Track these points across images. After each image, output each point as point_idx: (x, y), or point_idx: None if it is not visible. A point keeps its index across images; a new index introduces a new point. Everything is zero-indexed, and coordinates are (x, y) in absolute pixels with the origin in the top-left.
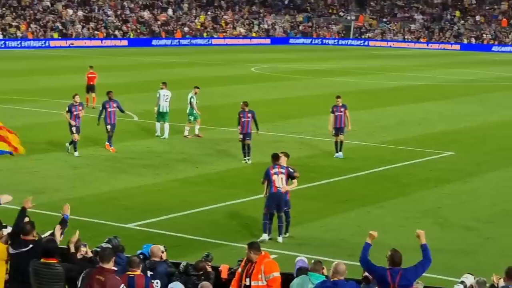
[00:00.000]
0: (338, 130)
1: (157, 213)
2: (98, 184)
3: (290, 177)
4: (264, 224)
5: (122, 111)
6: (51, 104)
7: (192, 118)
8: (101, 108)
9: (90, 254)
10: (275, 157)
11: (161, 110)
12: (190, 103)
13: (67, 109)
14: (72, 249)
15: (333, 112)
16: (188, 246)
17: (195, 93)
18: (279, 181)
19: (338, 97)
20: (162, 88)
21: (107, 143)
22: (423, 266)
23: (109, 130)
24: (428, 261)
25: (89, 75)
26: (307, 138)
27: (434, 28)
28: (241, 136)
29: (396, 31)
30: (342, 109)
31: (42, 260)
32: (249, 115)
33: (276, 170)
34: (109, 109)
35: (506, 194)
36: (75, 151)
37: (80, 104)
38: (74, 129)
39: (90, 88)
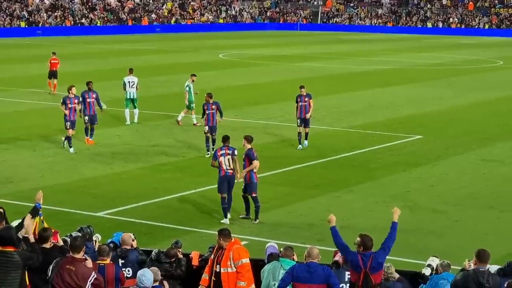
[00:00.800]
0: (303, 121)
1: (126, 201)
2: (67, 173)
3: (250, 159)
4: (223, 209)
5: (100, 106)
6: (19, 93)
7: (193, 105)
8: (80, 99)
9: (60, 243)
10: (224, 139)
11: (128, 96)
12: (188, 91)
13: (61, 101)
14: (32, 239)
15: (297, 102)
16: (158, 233)
17: (192, 81)
18: (226, 162)
19: (301, 87)
20: (128, 75)
21: (86, 137)
22: (389, 245)
23: (86, 121)
24: (392, 240)
25: (52, 61)
26: (275, 124)
27: (401, 12)
28: (206, 128)
29: (364, 16)
30: (306, 99)
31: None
32: (214, 106)
33: (223, 151)
34: (88, 100)
35: (474, 177)
36: (70, 147)
37: (76, 97)
38: (68, 124)
39: (52, 74)
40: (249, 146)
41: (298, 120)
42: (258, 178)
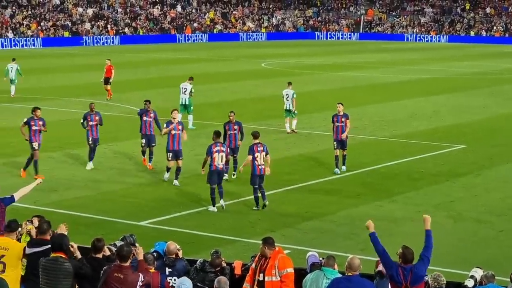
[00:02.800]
0: (340, 143)
1: (169, 210)
2: (110, 182)
3: (266, 153)
4: (211, 198)
5: (158, 126)
6: (63, 102)
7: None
8: (82, 120)
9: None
10: (217, 134)
11: (181, 102)
12: (291, 98)
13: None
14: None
15: (333, 121)
16: (201, 243)
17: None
18: (219, 158)
19: (339, 104)
20: (185, 82)
21: (143, 157)
22: (427, 256)
23: (143, 144)
24: (429, 248)
25: (107, 68)
26: (317, 133)
27: (444, 21)
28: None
29: (406, 25)
30: (343, 119)
31: (51, 255)
32: (236, 127)
33: (217, 148)
34: (144, 119)
35: None
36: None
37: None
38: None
39: (107, 81)
40: (256, 141)
41: (335, 143)
42: (262, 171)
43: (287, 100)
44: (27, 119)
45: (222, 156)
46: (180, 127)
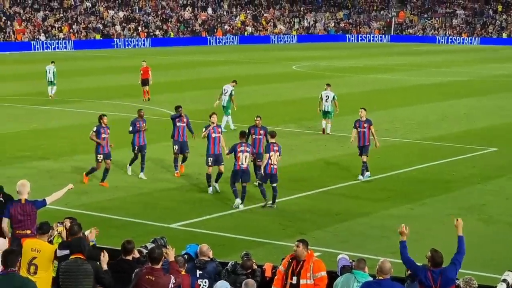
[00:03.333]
0: (362, 148)
1: (200, 213)
2: (141, 184)
3: (279, 154)
4: (233, 191)
5: (191, 130)
6: (94, 104)
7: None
8: (130, 128)
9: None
10: (242, 135)
11: (222, 103)
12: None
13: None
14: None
15: (355, 127)
16: (232, 245)
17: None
18: (243, 159)
19: (362, 109)
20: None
21: (177, 165)
22: (459, 260)
23: (176, 151)
24: (461, 254)
25: (144, 70)
26: (349, 136)
27: (476, 23)
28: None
29: (438, 27)
30: (366, 125)
31: (70, 257)
32: (262, 132)
33: (242, 148)
34: (178, 124)
35: None
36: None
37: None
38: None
39: (144, 82)
40: (272, 140)
41: (359, 149)
42: (273, 170)
43: (326, 101)
44: (96, 127)
45: (246, 156)
46: (219, 129)
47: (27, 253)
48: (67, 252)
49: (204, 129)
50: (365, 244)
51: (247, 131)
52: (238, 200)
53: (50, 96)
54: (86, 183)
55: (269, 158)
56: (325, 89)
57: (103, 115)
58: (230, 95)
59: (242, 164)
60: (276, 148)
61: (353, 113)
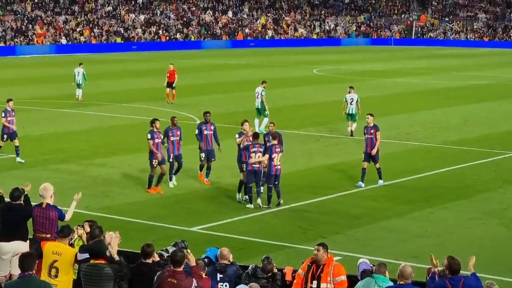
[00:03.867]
0: (369, 156)
1: (221, 216)
2: (162, 188)
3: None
4: (249, 197)
5: (217, 140)
6: (114, 107)
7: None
8: (162, 137)
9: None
10: (255, 136)
11: (255, 106)
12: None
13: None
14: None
15: (364, 133)
16: (251, 248)
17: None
18: (255, 157)
19: (369, 115)
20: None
21: (200, 172)
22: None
23: (202, 159)
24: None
25: (169, 72)
26: None
27: (498, 26)
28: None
29: (459, 30)
30: (372, 131)
31: (91, 261)
32: (212, 127)
33: (255, 149)
34: (205, 132)
35: None
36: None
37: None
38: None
39: (170, 85)
40: (274, 142)
41: (364, 155)
42: (278, 171)
43: (351, 104)
44: (149, 133)
45: (259, 156)
46: (212, 127)
47: (48, 256)
48: (87, 255)
49: (237, 136)
50: (386, 248)
51: (255, 134)
52: (251, 205)
53: (78, 98)
54: (162, 193)
55: (272, 159)
56: (349, 92)
57: (155, 119)
58: (260, 96)
59: (254, 164)
60: (278, 149)
61: (375, 117)
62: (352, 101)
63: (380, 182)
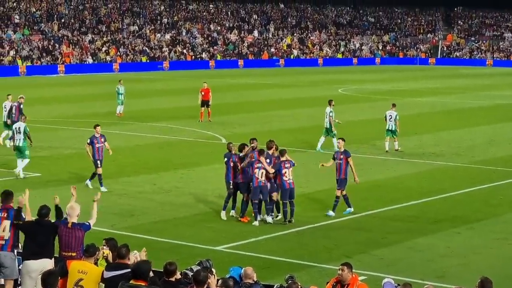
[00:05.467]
0: (337, 182)
1: (246, 235)
2: (187, 207)
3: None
4: (254, 213)
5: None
6: (139, 127)
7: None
8: (225, 158)
9: (179, 276)
10: (260, 152)
11: (324, 125)
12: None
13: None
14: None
15: (333, 158)
16: (276, 268)
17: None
18: (260, 174)
19: (340, 139)
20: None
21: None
22: None
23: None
24: None
25: (203, 91)
26: (394, 159)
27: None
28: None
29: (485, 50)
30: (342, 156)
31: (131, 282)
32: (288, 164)
33: (259, 165)
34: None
35: None
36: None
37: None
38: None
39: (204, 103)
40: (283, 158)
41: (336, 182)
42: (291, 184)
43: (390, 121)
44: (225, 155)
45: (262, 172)
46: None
47: (74, 275)
48: (115, 273)
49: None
50: (411, 268)
51: (261, 150)
52: (256, 223)
53: (119, 114)
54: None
55: (283, 175)
56: (390, 109)
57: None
58: (329, 116)
59: (259, 178)
60: (288, 165)
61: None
62: (391, 117)
63: (330, 213)
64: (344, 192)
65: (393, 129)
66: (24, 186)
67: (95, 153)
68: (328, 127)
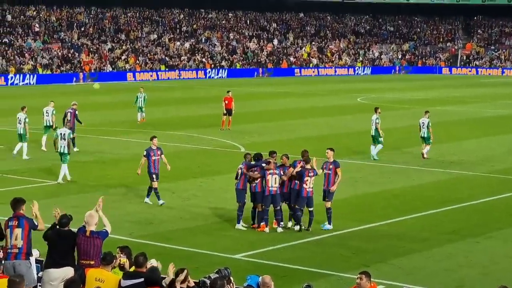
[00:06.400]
0: (325, 193)
1: (264, 244)
2: (205, 216)
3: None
4: (265, 219)
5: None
6: (159, 135)
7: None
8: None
9: (192, 284)
10: (257, 158)
11: (371, 133)
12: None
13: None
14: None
15: (322, 168)
16: (294, 276)
17: (427, 117)
18: (273, 181)
19: (329, 149)
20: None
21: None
22: None
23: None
24: None
25: (227, 99)
26: (414, 168)
27: None
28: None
29: (505, 58)
30: (331, 167)
31: None
32: (311, 173)
33: (271, 171)
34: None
35: None
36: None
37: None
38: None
39: (227, 112)
40: (307, 166)
41: (323, 193)
42: (310, 193)
43: (423, 127)
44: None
45: (275, 179)
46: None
47: (91, 283)
48: (132, 282)
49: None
50: (429, 278)
51: (267, 161)
52: (266, 229)
53: (141, 120)
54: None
55: (304, 183)
56: (423, 116)
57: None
58: (375, 123)
59: (271, 187)
60: (311, 173)
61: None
62: (423, 124)
63: (327, 226)
64: (330, 205)
65: (426, 135)
66: (65, 190)
67: (150, 166)
68: (374, 134)
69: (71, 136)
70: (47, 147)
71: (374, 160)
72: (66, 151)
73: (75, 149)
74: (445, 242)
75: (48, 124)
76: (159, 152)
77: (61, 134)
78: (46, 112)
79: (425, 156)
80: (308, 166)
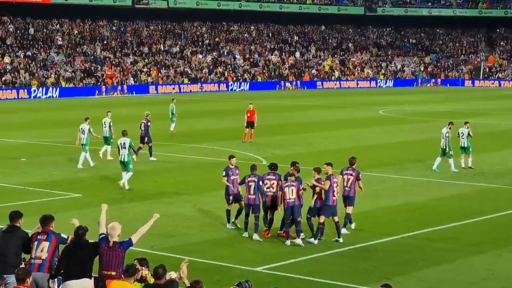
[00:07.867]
0: (345, 199)
1: (285, 256)
2: (226, 228)
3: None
4: (286, 232)
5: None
6: (181, 148)
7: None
8: (224, 173)
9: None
10: (252, 168)
11: (441, 146)
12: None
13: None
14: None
15: (341, 173)
16: None
17: (449, 128)
18: (290, 192)
19: (326, 164)
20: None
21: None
22: None
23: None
24: None
25: (249, 112)
26: (436, 181)
27: None
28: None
29: None
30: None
31: None
32: (237, 171)
33: (251, 178)
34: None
35: None
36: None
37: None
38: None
39: (249, 124)
40: (318, 176)
41: (343, 199)
42: (318, 203)
43: (462, 138)
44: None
45: (292, 190)
46: (237, 171)
47: None
48: None
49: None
50: None
51: (255, 165)
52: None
53: (172, 131)
54: (268, 235)
55: (331, 192)
56: (463, 126)
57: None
58: (445, 136)
59: (289, 199)
60: (335, 179)
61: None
62: (463, 135)
63: (313, 240)
64: (322, 220)
65: (466, 145)
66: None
67: (228, 187)
68: (444, 147)
69: (149, 144)
70: (104, 156)
71: (435, 172)
72: (127, 159)
73: (151, 159)
74: (467, 255)
75: (106, 135)
76: (237, 171)
77: (121, 143)
78: (104, 124)
79: (470, 166)
80: (319, 176)
